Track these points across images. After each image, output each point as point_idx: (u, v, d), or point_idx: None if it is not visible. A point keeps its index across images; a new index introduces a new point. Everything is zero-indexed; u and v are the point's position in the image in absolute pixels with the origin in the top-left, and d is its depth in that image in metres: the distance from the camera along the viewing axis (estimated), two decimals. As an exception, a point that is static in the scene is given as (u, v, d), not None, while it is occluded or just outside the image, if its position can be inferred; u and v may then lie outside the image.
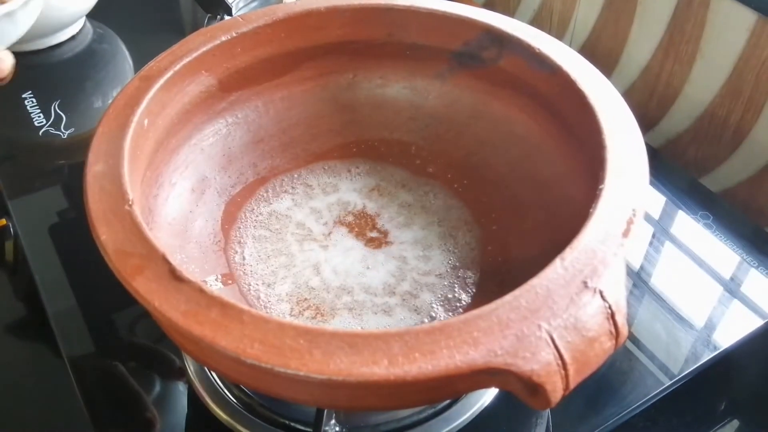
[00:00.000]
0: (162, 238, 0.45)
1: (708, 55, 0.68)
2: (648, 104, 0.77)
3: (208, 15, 0.88)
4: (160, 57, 0.49)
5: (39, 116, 0.75)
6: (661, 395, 0.51)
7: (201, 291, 0.34)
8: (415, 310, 0.48)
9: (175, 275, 0.35)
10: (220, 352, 0.32)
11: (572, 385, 0.32)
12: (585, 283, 0.34)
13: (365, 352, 0.31)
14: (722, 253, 0.60)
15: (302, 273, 0.50)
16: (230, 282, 0.49)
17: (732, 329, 0.54)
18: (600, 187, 0.39)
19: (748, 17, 0.63)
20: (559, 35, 0.85)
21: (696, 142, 0.73)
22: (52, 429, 0.51)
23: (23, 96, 0.78)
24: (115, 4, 0.91)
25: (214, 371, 0.48)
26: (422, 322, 0.47)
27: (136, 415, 0.50)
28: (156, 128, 0.47)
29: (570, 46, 0.49)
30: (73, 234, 0.62)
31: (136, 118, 0.43)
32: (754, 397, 0.56)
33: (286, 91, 0.56)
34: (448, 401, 0.47)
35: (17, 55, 0.84)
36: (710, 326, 0.54)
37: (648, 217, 0.64)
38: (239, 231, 0.53)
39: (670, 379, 0.51)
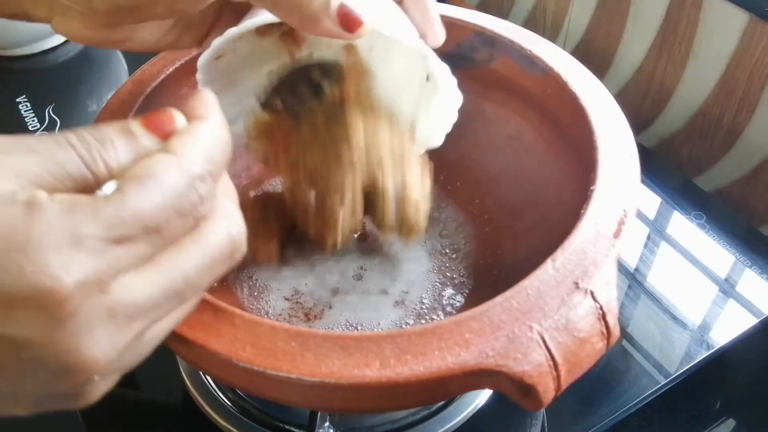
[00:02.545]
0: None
1: (701, 56, 0.69)
2: (641, 104, 0.77)
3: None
4: (153, 61, 0.49)
5: (33, 120, 0.75)
6: (656, 394, 0.51)
7: (193, 294, 0.34)
8: (408, 310, 0.48)
9: (167, 279, 0.35)
10: (213, 356, 0.32)
11: (564, 385, 0.32)
12: (576, 284, 0.34)
13: (357, 354, 0.31)
14: (716, 252, 0.60)
15: (295, 274, 0.50)
16: (223, 284, 0.49)
17: (726, 328, 0.54)
18: (591, 188, 0.39)
19: (740, 17, 0.63)
20: (553, 36, 0.85)
21: (689, 142, 0.73)
22: (45, 430, 0.51)
23: (17, 100, 0.78)
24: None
25: (207, 374, 0.48)
26: (413, 322, 0.47)
27: (129, 418, 0.50)
28: (149, 132, 0.47)
29: (563, 47, 0.50)
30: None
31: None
32: (749, 396, 0.56)
33: (280, 94, 0.56)
34: (442, 402, 0.47)
35: (11, 59, 0.84)
36: (705, 325, 0.55)
37: (642, 217, 0.64)
38: (233, 234, 0.53)
39: (665, 379, 0.51)
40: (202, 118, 0.26)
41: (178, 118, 0.26)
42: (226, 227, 0.26)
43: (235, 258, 0.27)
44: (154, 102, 0.47)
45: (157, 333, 0.26)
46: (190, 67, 0.49)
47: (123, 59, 0.87)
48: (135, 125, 0.25)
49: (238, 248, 0.27)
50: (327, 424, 0.45)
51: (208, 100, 0.27)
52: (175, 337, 0.33)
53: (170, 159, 0.24)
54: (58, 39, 0.86)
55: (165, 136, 0.25)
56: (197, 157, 0.24)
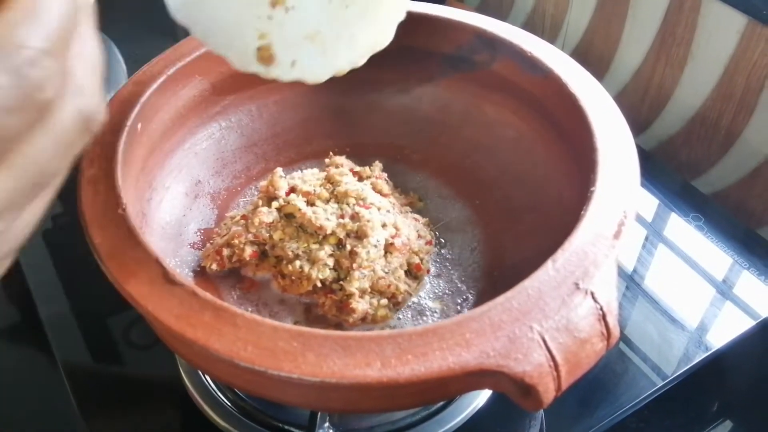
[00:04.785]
0: (156, 242, 0.45)
1: (699, 58, 0.69)
2: (640, 107, 0.77)
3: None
4: (154, 61, 0.49)
5: (32, 121, 0.75)
6: (654, 396, 0.51)
7: (194, 294, 0.34)
8: (409, 310, 0.48)
9: (168, 279, 0.35)
10: (214, 356, 0.32)
11: (564, 386, 0.32)
12: (576, 285, 0.34)
13: (358, 354, 0.31)
14: (714, 254, 0.60)
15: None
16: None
17: (724, 330, 0.54)
18: (591, 189, 0.39)
19: (738, 20, 0.63)
20: (552, 38, 0.86)
21: (688, 145, 0.74)
22: (43, 426, 0.51)
23: (16, 100, 0.77)
24: (109, 9, 0.91)
25: (207, 374, 0.48)
26: (416, 323, 0.47)
27: (127, 418, 0.50)
28: (149, 132, 0.47)
29: (562, 49, 0.50)
30: (67, 238, 0.62)
31: (129, 123, 0.43)
32: (746, 397, 0.56)
33: (280, 95, 0.56)
34: (441, 403, 0.47)
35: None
36: (702, 327, 0.55)
37: (640, 219, 0.64)
38: (233, 234, 0.53)
39: (663, 380, 0.51)
40: None
41: None
42: (76, 104, 0.23)
43: (92, 130, 0.24)
44: (155, 103, 0.47)
45: (25, 223, 0.24)
46: (191, 67, 0.49)
47: (122, 60, 0.87)
48: None
49: (92, 121, 0.24)
50: (327, 424, 0.45)
51: None
52: (175, 336, 0.33)
53: None
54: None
55: None
56: (26, 38, 0.20)
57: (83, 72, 0.24)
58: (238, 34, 0.36)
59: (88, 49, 0.24)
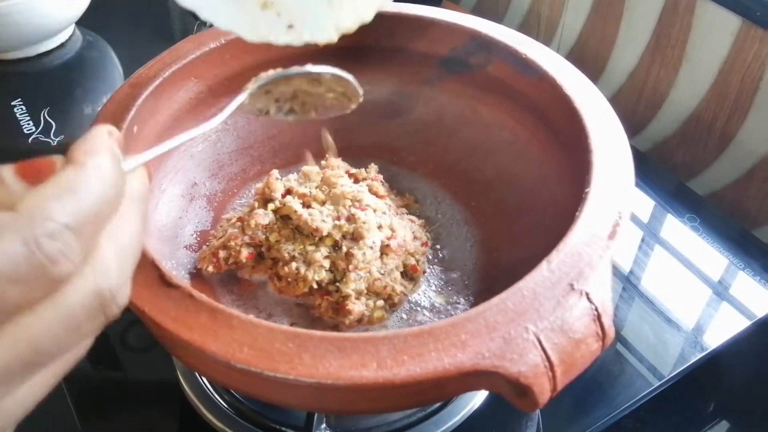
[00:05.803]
0: (152, 244, 0.45)
1: (694, 60, 0.69)
2: (635, 108, 0.77)
3: (198, 21, 0.88)
4: (150, 64, 0.49)
5: (28, 123, 0.75)
6: (650, 396, 0.51)
7: (190, 296, 0.34)
8: (405, 312, 0.48)
9: (164, 281, 0.35)
10: (210, 357, 0.32)
11: (560, 386, 0.32)
12: (571, 286, 0.34)
13: (354, 355, 0.31)
14: (709, 255, 0.60)
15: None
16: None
17: (720, 331, 0.55)
18: (586, 190, 0.39)
19: (732, 22, 0.63)
20: (547, 41, 0.86)
21: (683, 146, 0.74)
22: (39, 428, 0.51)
23: (12, 104, 0.77)
24: (105, 11, 0.92)
25: (204, 376, 0.48)
26: (412, 324, 0.47)
27: (124, 420, 0.50)
28: (145, 135, 0.47)
29: (558, 51, 0.50)
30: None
31: (125, 125, 0.44)
32: (742, 398, 0.56)
33: (276, 98, 0.56)
34: (438, 405, 0.47)
35: (6, 63, 0.84)
36: (698, 328, 0.55)
37: (636, 221, 0.64)
38: (229, 237, 0.53)
39: (659, 381, 0.51)
40: (76, 164, 0.22)
41: (58, 164, 0.23)
42: (95, 282, 0.23)
43: (108, 313, 0.23)
44: (151, 105, 0.47)
45: (16, 404, 0.23)
46: (187, 70, 0.50)
47: (118, 63, 0.87)
48: (6, 170, 0.22)
49: (110, 303, 0.23)
50: (323, 426, 0.45)
51: (94, 140, 0.23)
52: (172, 338, 0.33)
53: (7, 218, 0.20)
54: (53, 42, 0.86)
55: (38, 182, 0.22)
56: (54, 211, 0.21)
57: (113, 255, 0.23)
58: (241, 6, 0.36)
59: (126, 235, 0.24)
